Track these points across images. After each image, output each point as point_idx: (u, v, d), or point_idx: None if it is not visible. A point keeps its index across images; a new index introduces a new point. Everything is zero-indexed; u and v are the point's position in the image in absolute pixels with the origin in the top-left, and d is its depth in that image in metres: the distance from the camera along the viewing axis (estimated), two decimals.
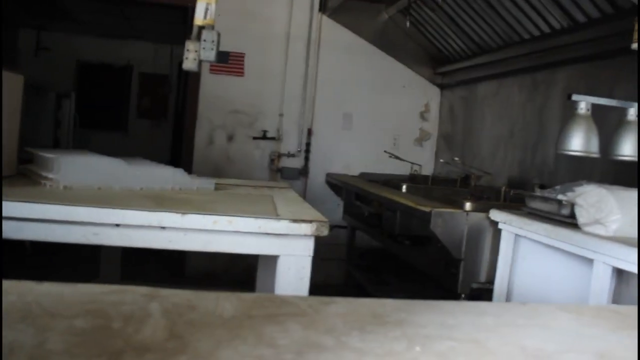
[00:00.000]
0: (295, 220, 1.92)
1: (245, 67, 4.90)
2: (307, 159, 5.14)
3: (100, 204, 1.92)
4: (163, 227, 1.91)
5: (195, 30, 2.33)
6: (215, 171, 4.99)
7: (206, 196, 2.43)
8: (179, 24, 5.40)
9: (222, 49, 4.76)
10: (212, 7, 2.27)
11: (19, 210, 1.82)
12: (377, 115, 5.21)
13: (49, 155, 2.35)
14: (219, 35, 2.29)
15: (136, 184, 2.42)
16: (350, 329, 0.80)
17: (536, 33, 3.59)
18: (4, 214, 1.82)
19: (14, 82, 2.43)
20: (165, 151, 7.88)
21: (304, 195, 5.01)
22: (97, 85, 8.27)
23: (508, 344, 0.80)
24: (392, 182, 4.04)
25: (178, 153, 6.35)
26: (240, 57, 4.85)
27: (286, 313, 0.85)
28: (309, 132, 5.10)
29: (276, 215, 1.99)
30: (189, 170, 4.96)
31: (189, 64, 2.32)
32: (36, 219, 1.84)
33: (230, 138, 5.05)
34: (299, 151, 5.11)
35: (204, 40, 2.28)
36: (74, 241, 1.91)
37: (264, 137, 5.04)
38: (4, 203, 1.82)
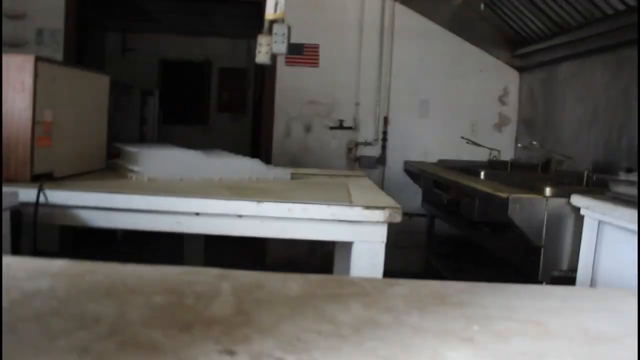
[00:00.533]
0: (368, 207, 1.94)
1: (320, 58, 4.95)
2: (384, 147, 5.14)
3: (182, 194, 2.03)
4: (240, 215, 1.99)
5: (266, 25, 2.39)
6: (293, 162, 5.09)
7: (282, 185, 2.49)
8: (255, 18, 5.53)
9: (296, 41, 4.86)
10: (282, 1, 2.32)
11: (107, 200, 1.95)
12: (454, 101, 5.12)
13: (133, 149, 2.50)
14: (289, 28, 2.34)
15: (215, 175, 2.53)
16: (410, 308, 0.82)
17: (620, 7, 3.41)
18: (94, 204, 1.96)
19: (101, 83, 2.59)
20: (245, 143, 8.09)
21: (381, 183, 5.02)
22: (179, 81, 8.60)
23: (570, 326, 0.79)
24: (470, 168, 3.97)
25: (258, 145, 6.51)
26: (314, 48, 4.91)
27: (350, 293, 0.88)
28: (386, 120, 5.09)
29: (350, 203, 2.02)
30: (267, 161, 5.10)
31: (261, 57, 2.39)
32: (122, 208, 1.96)
33: (307, 129, 5.13)
34: (376, 140, 5.12)
35: (275, 34, 2.33)
36: (157, 229, 2.02)
37: (341, 126, 5.08)
38: (94, 194, 1.96)
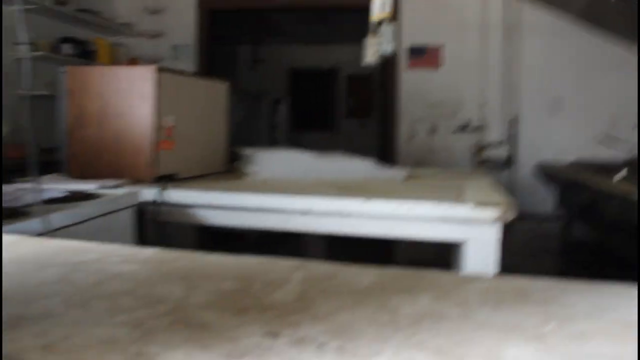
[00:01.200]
0: (478, 205, 1.86)
1: (442, 59, 4.84)
2: (512, 148, 4.90)
3: (294, 193, 2.07)
4: (347, 214, 1.99)
5: (373, 25, 2.37)
6: (418, 165, 5.01)
7: (394, 185, 2.46)
8: None
9: (418, 43, 4.80)
10: (389, 1, 2.29)
11: (219, 199, 2.05)
12: (588, 98, 4.76)
13: (249, 151, 2.59)
14: (395, 28, 2.30)
15: (329, 176, 2.55)
16: (483, 303, 0.76)
17: None
18: (207, 203, 2.06)
19: (220, 89, 2.73)
20: (372, 148, 8.10)
21: (510, 186, 4.79)
22: (308, 89, 8.83)
23: None
24: (608, 168, 3.67)
25: (385, 150, 6.49)
26: (436, 50, 4.81)
27: (424, 287, 0.85)
28: (514, 121, 4.85)
29: (461, 201, 1.94)
30: (393, 164, 5.07)
31: (368, 58, 2.38)
32: (233, 207, 2.04)
33: (431, 131, 5.03)
34: (504, 141, 4.89)
35: (382, 34, 2.31)
36: (266, 227, 2.08)
37: (466, 128, 4.92)
38: (207, 193, 2.06)
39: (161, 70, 2.21)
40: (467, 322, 0.69)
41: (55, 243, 1.08)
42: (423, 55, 4.84)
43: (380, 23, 2.39)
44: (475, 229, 1.86)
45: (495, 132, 4.90)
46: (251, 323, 0.65)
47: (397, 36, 4.89)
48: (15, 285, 0.79)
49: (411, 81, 4.99)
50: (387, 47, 2.41)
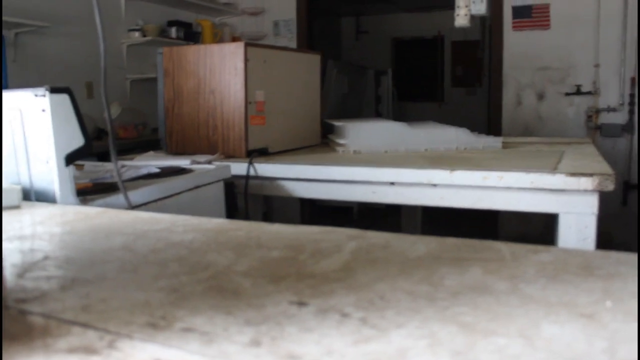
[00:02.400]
0: (573, 174, 1.74)
1: (551, 18, 4.52)
2: (632, 112, 4.51)
3: (380, 165, 2.05)
4: (434, 184, 1.94)
5: None
6: (525, 133, 4.77)
7: (489, 154, 2.36)
8: None
9: (523, 2, 4.52)
10: None
11: (308, 172, 2.07)
12: None
13: (339, 123, 2.59)
14: None
15: (421, 146, 2.50)
16: (538, 277, 0.71)
17: None
18: (295, 176, 2.09)
19: (312, 61, 2.73)
20: (481, 117, 7.81)
21: (629, 154, 4.44)
22: (412, 58, 8.64)
23: None
24: None
25: (490, 118, 6.24)
26: (544, 8, 4.50)
27: (479, 258, 0.81)
28: (633, 82, 4.46)
29: (554, 170, 1.83)
30: (498, 133, 4.86)
31: (460, 20, 2.28)
32: (321, 179, 2.06)
33: (540, 97, 4.75)
34: (622, 104, 4.52)
35: None
36: (354, 199, 2.08)
37: (578, 92, 4.60)
38: (295, 166, 2.09)
39: (250, 45, 2.25)
40: (512, 296, 0.65)
41: (133, 214, 1.14)
42: (529, 15, 4.56)
43: None
44: (570, 200, 1.75)
45: (611, 96, 4.53)
46: (283, 291, 0.66)
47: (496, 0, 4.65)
48: (81, 252, 0.85)
49: (516, 44, 4.72)
50: (480, 7, 2.29)
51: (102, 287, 0.68)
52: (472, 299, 0.64)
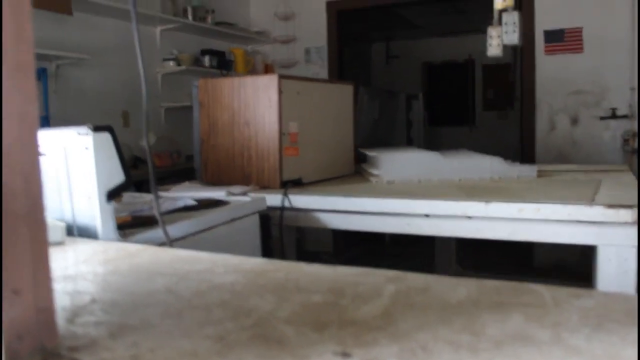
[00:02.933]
0: (611, 206, 1.71)
1: (584, 41, 4.49)
2: None
3: (414, 196, 2.05)
4: (469, 217, 1.93)
5: (496, 15, 2.27)
6: (559, 157, 4.71)
7: (523, 184, 2.34)
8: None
9: (555, 27, 4.50)
10: None
11: (342, 203, 2.08)
12: None
13: (373, 154, 2.60)
14: (519, 16, 2.18)
15: (454, 176, 2.49)
16: (582, 325, 0.71)
17: None
18: (330, 207, 2.10)
19: (344, 91, 2.76)
20: (513, 141, 7.74)
21: None
22: (442, 83, 8.64)
23: None
24: None
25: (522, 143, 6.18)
26: (577, 31, 4.47)
27: (520, 303, 0.80)
28: None
29: (592, 201, 1.81)
30: (531, 158, 4.81)
31: (493, 50, 2.28)
32: (355, 211, 2.07)
33: (573, 121, 4.69)
34: None
35: (506, 24, 2.20)
36: (389, 231, 2.08)
37: (614, 115, 4.53)
38: (330, 198, 2.10)
39: (284, 77, 2.29)
40: (556, 347, 0.64)
41: (172, 252, 1.16)
42: (562, 39, 4.53)
43: (502, 12, 2.29)
44: (609, 232, 1.72)
45: None
46: (327, 340, 0.66)
47: (528, 22, 4.63)
48: (125, 294, 0.87)
49: (549, 68, 4.69)
50: (512, 37, 2.29)
51: (149, 334, 0.69)
52: (515, 350, 0.63)
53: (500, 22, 2.26)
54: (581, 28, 4.47)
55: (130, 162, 3.81)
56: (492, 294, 0.85)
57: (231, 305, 0.81)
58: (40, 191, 0.65)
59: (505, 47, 2.47)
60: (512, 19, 2.22)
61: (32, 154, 0.64)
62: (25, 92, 0.61)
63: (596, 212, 1.72)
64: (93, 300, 0.84)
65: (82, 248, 1.28)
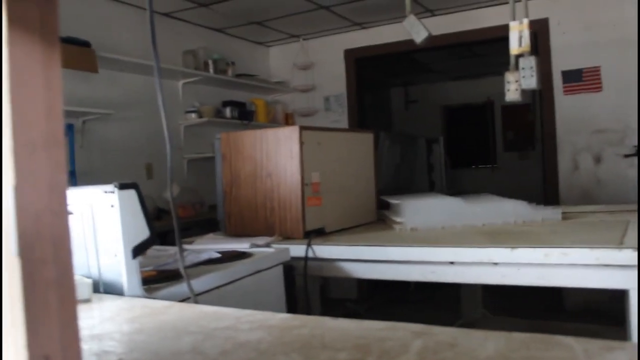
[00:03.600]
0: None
1: (602, 80, 4.49)
2: None
3: (439, 243, 2.04)
4: (495, 263, 1.90)
5: (512, 60, 2.29)
6: (584, 197, 4.66)
7: (549, 227, 2.31)
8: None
9: (572, 67, 4.52)
10: (526, 33, 2.20)
11: (366, 253, 2.07)
12: None
13: (396, 201, 2.60)
14: (537, 60, 2.20)
15: (478, 221, 2.47)
16: None
17: None
18: (354, 257, 2.09)
19: (365, 140, 2.78)
20: (536, 180, 7.69)
21: None
22: (462, 125, 8.66)
23: None
24: None
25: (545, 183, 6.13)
26: (595, 71, 4.48)
27: (551, 357, 0.79)
28: None
29: (620, 244, 1.78)
30: (554, 198, 4.76)
31: (511, 95, 2.29)
32: (380, 260, 2.05)
33: (597, 160, 4.66)
34: None
35: (523, 68, 2.22)
36: (414, 279, 2.06)
37: (637, 153, 4.48)
38: (353, 247, 2.10)
39: (305, 129, 2.32)
40: None
41: (198, 309, 1.17)
42: (580, 79, 4.54)
43: (519, 57, 2.31)
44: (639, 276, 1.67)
45: None
46: None
47: (545, 63, 4.65)
48: (151, 354, 0.88)
49: (569, 107, 4.68)
50: (530, 82, 2.30)
51: None
52: None
53: (517, 67, 2.28)
54: (599, 67, 4.48)
55: (154, 214, 3.85)
56: (521, 348, 0.83)
57: None
58: (70, 257, 0.66)
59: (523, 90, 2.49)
60: (529, 64, 2.23)
61: (62, 221, 0.66)
62: (56, 162, 0.63)
63: (625, 255, 1.69)
64: None
65: (108, 305, 1.29)
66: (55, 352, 0.64)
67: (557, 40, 4.67)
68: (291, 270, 2.06)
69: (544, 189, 5.04)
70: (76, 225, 1.51)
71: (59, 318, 0.65)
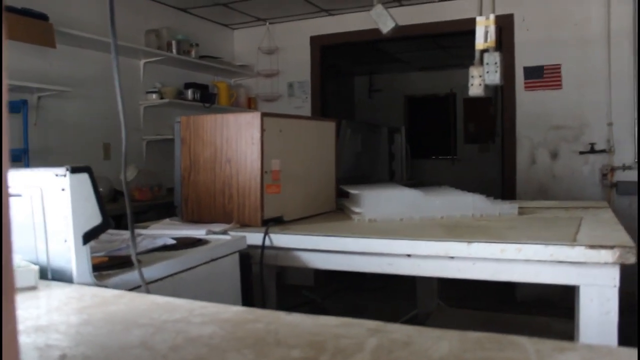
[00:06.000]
0: (592, 247, 1.72)
1: (563, 78, 4.58)
2: None
3: (397, 235, 2.04)
4: (451, 257, 1.92)
5: (477, 55, 2.30)
6: (540, 191, 4.76)
7: (505, 222, 2.34)
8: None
9: (534, 63, 4.59)
10: (492, 28, 2.21)
11: (326, 243, 2.06)
12: None
13: (355, 192, 2.59)
14: (501, 56, 2.21)
15: (437, 213, 2.49)
16: None
17: None
18: (311, 247, 2.08)
19: (327, 128, 2.76)
20: (495, 173, 7.82)
21: None
22: (424, 116, 8.73)
23: None
24: None
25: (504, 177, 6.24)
26: (555, 68, 4.56)
27: (504, 358, 0.79)
28: None
29: (573, 241, 1.81)
30: (511, 192, 4.85)
31: (474, 90, 2.30)
32: (336, 250, 2.05)
33: (553, 155, 4.76)
34: (637, 162, 4.50)
35: (487, 64, 2.23)
36: (371, 271, 2.06)
37: (592, 150, 4.60)
38: (310, 237, 2.08)
39: (266, 115, 2.28)
40: None
41: (149, 300, 1.13)
42: (541, 76, 4.61)
43: (484, 52, 2.32)
44: (591, 273, 1.72)
45: (626, 153, 4.52)
46: None
47: (508, 58, 4.71)
48: (99, 348, 0.84)
49: (529, 103, 4.76)
50: (494, 77, 2.32)
51: None
52: None
53: (481, 62, 2.29)
54: (560, 65, 4.56)
55: (110, 196, 3.76)
56: (475, 348, 0.83)
57: None
58: (9, 247, 0.62)
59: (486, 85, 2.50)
60: (493, 59, 2.24)
61: (3, 209, 0.62)
62: None
63: (578, 252, 1.72)
64: (63, 356, 0.81)
65: (56, 294, 1.25)
66: None
67: (520, 36, 4.73)
68: (247, 258, 2.04)
69: (502, 182, 5.12)
70: (25, 209, 1.45)
71: None
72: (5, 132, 0.61)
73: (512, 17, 4.73)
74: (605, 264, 1.70)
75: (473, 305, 4.46)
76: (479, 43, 2.27)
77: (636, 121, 4.41)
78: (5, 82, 0.60)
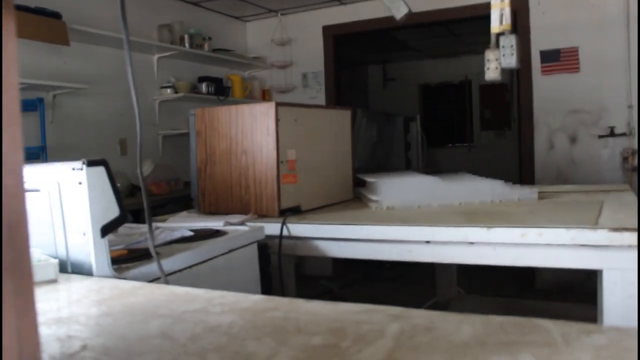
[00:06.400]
0: (615, 229, 1.68)
1: (580, 61, 4.50)
2: None
3: (415, 222, 2.02)
4: (471, 242, 1.90)
5: (493, 38, 2.26)
6: (559, 177, 4.69)
7: (525, 207, 2.31)
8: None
9: (551, 47, 4.51)
10: (507, 11, 2.17)
11: (343, 232, 2.05)
12: None
13: (372, 180, 2.58)
14: (517, 38, 2.17)
15: (455, 200, 2.46)
16: None
17: None
18: (329, 235, 2.07)
19: (342, 116, 2.75)
20: (512, 159, 7.74)
21: None
22: (440, 104, 8.66)
23: None
24: None
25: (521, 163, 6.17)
26: (573, 51, 4.48)
27: (529, 342, 0.77)
28: None
29: (595, 224, 1.78)
30: (530, 178, 4.79)
31: (491, 74, 2.27)
32: (355, 239, 2.04)
33: (572, 140, 4.69)
34: None
35: (503, 47, 2.19)
36: (390, 258, 2.05)
37: (612, 134, 4.52)
38: (329, 226, 2.07)
39: (281, 105, 2.27)
40: None
41: (168, 290, 1.13)
42: (558, 59, 4.54)
43: (500, 35, 2.28)
44: (613, 256, 1.69)
45: None
46: None
47: (524, 42, 4.65)
48: (118, 339, 0.84)
49: (546, 88, 4.69)
50: (510, 61, 2.28)
51: None
52: None
53: (497, 46, 2.25)
54: (577, 48, 4.48)
55: (128, 191, 3.78)
56: (498, 332, 0.82)
57: (228, 351, 0.77)
58: (27, 241, 0.62)
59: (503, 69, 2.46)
60: (509, 42, 2.20)
61: (19, 203, 0.61)
62: (12, 140, 0.59)
63: (600, 235, 1.69)
64: (84, 347, 0.81)
65: (76, 286, 1.25)
66: (10, 344, 0.60)
67: (536, 19, 4.65)
68: (266, 248, 2.03)
69: (519, 168, 5.06)
70: (43, 203, 1.46)
71: (15, 307, 0.61)
72: (20, 144, 0.60)
73: (527, 1, 4.66)
74: (629, 246, 1.67)
75: (491, 292, 4.43)
76: (495, 26, 2.23)
77: None
78: (16, 80, 0.60)
